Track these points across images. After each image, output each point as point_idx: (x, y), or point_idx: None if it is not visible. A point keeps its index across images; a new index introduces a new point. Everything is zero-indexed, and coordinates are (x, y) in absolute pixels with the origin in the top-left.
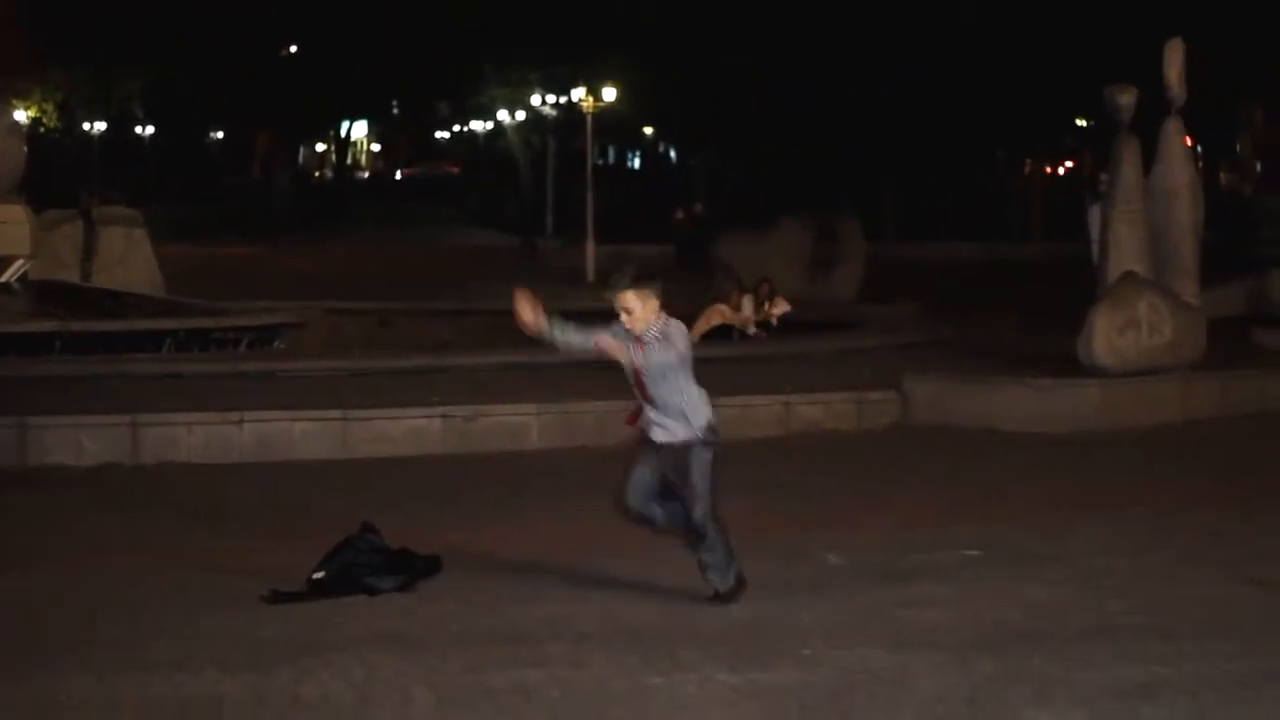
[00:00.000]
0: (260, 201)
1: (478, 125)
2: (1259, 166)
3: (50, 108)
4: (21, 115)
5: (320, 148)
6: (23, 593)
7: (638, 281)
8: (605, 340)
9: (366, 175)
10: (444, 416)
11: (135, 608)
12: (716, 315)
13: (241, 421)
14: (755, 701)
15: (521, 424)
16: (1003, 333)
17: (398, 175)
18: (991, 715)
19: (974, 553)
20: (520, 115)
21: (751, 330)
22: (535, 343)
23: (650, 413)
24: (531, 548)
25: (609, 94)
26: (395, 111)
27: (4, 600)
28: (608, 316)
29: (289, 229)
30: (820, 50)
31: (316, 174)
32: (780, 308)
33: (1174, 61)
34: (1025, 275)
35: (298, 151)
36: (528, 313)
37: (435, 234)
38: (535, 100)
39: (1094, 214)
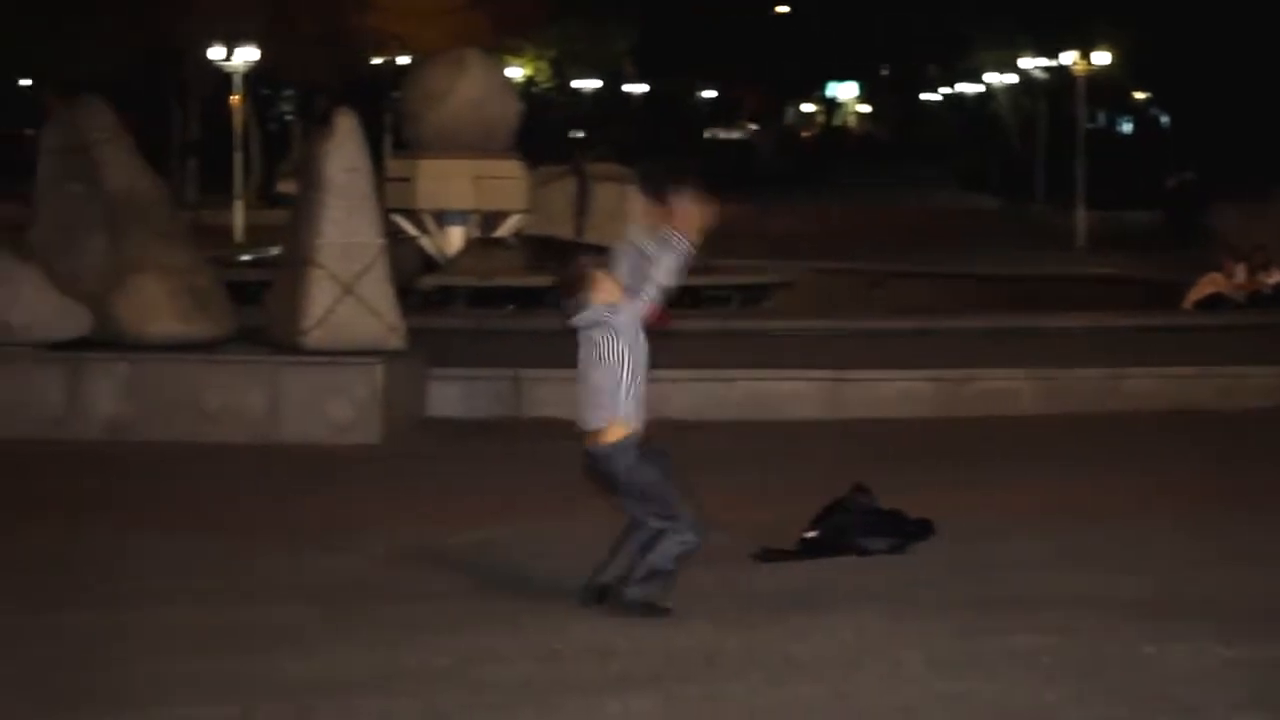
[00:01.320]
0: (746, 160)
1: (966, 88)
2: None
3: (544, 65)
4: (515, 72)
5: (808, 108)
6: (487, 545)
7: None
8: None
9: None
10: (935, 380)
11: None
12: (1209, 284)
13: (733, 379)
14: (1248, 675)
15: (1012, 389)
16: None
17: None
18: None
19: None
20: (1010, 78)
21: (1243, 298)
22: (1028, 307)
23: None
24: (1023, 514)
25: (1100, 57)
26: (884, 74)
27: (470, 551)
28: (1092, 283)
29: (774, 188)
30: None
31: (803, 134)
32: (1275, 277)
33: None
34: None
35: (784, 111)
36: None
37: (921, 196)
38: (1024, 63)
39: None
